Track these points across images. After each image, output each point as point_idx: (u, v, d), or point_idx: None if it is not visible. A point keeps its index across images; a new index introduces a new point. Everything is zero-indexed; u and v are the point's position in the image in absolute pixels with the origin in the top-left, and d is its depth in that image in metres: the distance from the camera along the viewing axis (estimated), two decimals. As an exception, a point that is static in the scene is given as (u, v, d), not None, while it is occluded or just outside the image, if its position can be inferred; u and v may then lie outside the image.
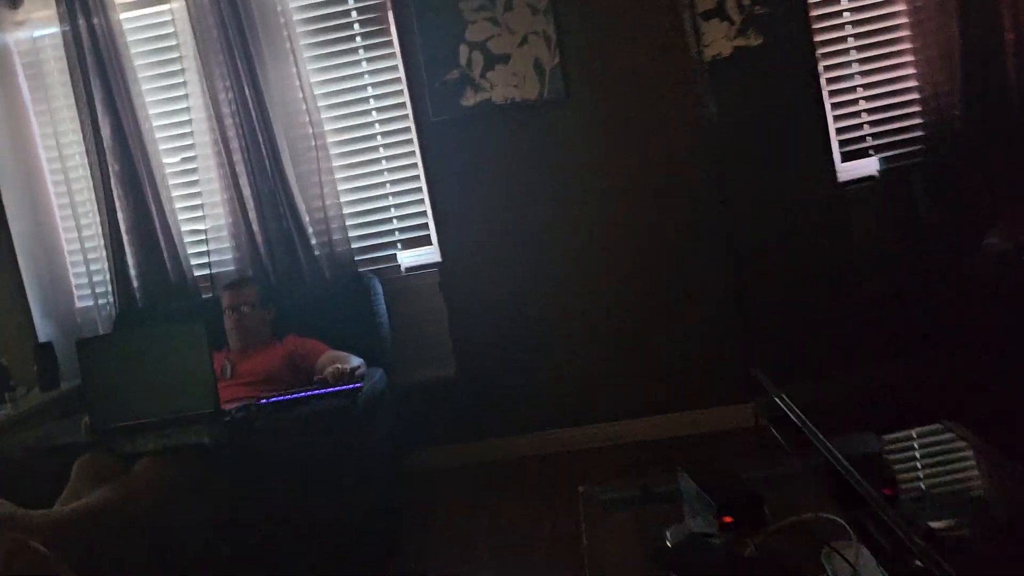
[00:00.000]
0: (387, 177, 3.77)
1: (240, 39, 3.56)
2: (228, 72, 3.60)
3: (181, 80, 3.72)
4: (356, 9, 3.68)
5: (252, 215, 3.69)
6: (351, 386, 2.73)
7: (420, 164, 3.72)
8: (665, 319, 3.71)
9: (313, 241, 3.71)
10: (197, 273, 3.81)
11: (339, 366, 2.87)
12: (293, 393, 2.74)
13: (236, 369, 3.28)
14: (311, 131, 3.64)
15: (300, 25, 3.67)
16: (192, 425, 2.56)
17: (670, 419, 3.74)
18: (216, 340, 3.42)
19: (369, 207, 3.79)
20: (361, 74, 3.71)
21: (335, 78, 3.72)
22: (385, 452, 3.21)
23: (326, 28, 3.69)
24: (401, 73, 3.68)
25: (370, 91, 3.72)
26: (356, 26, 3.69)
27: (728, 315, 3.70)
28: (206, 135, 3.69)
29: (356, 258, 3.75)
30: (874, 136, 3.53)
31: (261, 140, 3.63)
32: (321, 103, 3.70)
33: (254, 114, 3.61)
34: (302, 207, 3.68)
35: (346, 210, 3.76)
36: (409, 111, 3.69)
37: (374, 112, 3.73)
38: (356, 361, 3.12)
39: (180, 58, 3.68)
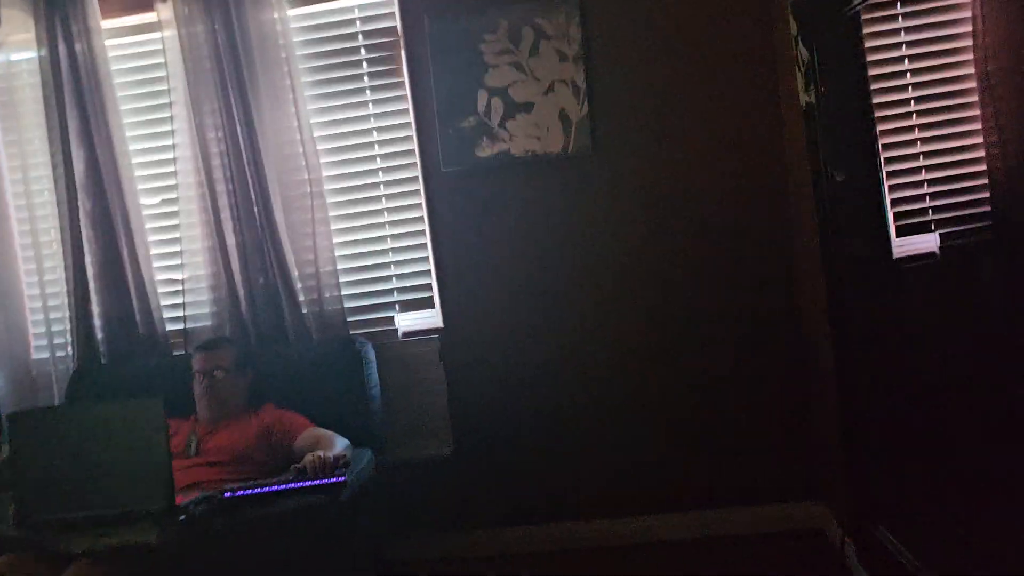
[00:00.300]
0: (388, 231, 3.39)
1: (235, 73, 3.21)
2: (219, 108, 3.24)
3: (167, 115, 3.36)
4: (365, 47, 3.34)
5: (235, 265, 3.30)
6: (333, 480, 2.31)
7: (426, 218, 3.35)
8: (702, 399, 3.30)
9: (301, 297, 3.31)
10: (170, 328, 3.40)
11: (320, 454, 2.45)
12: (264, 485, 2.31)
13: (202, 445, 2.85)
14: (307, 176, 3.28)
15: (302, 61, 3.33)
16: (139, 522, 2.12)
17: (713, 515, 3.31)
18: (184, 406, 3.00)
19: (366, 263, 3.41)
20: (367, 116, 3.35)
21: (337, 120, 3.36)
22: (368, 548, 2.77)
23: (331, 65, 3.34)
24: (411, 118, 3.32)
25: (375, 136, 3.36)
26: (364, 64, 3.34)
27: (786, 402, 3.29)
28: (190, 175, 3.32)
29: (348, 319, 3.35)
30: (935, 210, 3.16)
31: (251, 183, 3.26)
32: (320, 147, 3.34)
33: (245, 155, 3.24)
34: (291, 259, 3.29)
35: (340, 265, 3.38)
36: (417, 159, 3.33)
37: (378, 159, 3.36)
38: (341, 445, 2.70)
39: (168, 91, 3.32)
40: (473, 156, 3.24)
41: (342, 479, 2.33)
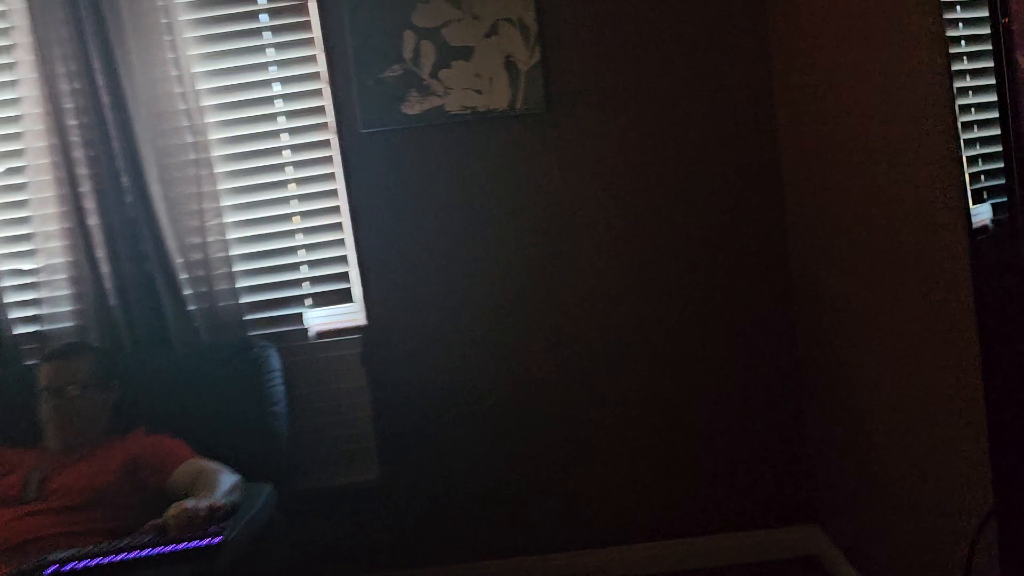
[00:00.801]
0: (295, 208, 2.75)
1: (94, 9, 2.52)
2: (74, 51, 2.55)
3: (6, 61, 2.65)
4: None
5: (100, 252, 2.62)
6: (204, 541, 1.68)
7: (341, 191, 2.71)
8: (680, 408, 2.75)
9: (186, 291, 2.66)
10: (20, 330, 2.71)
11: (189, 504, 1.82)
12: (108, 552, 1.67)
13: (47, 484, 2.18)
14: (190, 140, 2.61)
15: None
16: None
17: (694, 544, 2.77)
18: (28, 434, 2.34)
19: (268, 247, 2.76)
20: (265, 65, 2.70)
21: (228, 69, 2.69)
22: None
23: (219, 1, 2.67)
24: (321, 67, 2.68)
25: (277, 89, 2.70)
26: (261, 0, 2.68)
27: (780, 413, 2.76)
28: (40, 138, 2.61)
29: (246, 317, 2.71)
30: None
31: (116, 148, 2.58)
32: (207, 102, 2.67)
33: (109, 115, 2.56)
34: (172, 243, 2.63)
35: (235, 251, 2.72)
36: (330, 119, 2.69)
37: (281, 118, 2.71)
38: (226, 484, 2.07)
39: (8, 30, 2.61)
40: (399, 113, 2.62)
41: (217, 539, 1.70)
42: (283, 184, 2.73)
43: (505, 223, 2.69)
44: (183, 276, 2.66)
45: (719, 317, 2.71)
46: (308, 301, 2.77)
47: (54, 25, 2.54)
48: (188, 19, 2.65)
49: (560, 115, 2.65)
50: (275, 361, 2.58)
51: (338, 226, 2.74)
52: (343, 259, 2.75)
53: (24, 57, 2.59)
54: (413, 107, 2.62)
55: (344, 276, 2.76)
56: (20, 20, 2.57)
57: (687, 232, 2.69)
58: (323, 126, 2.71)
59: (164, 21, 2.58)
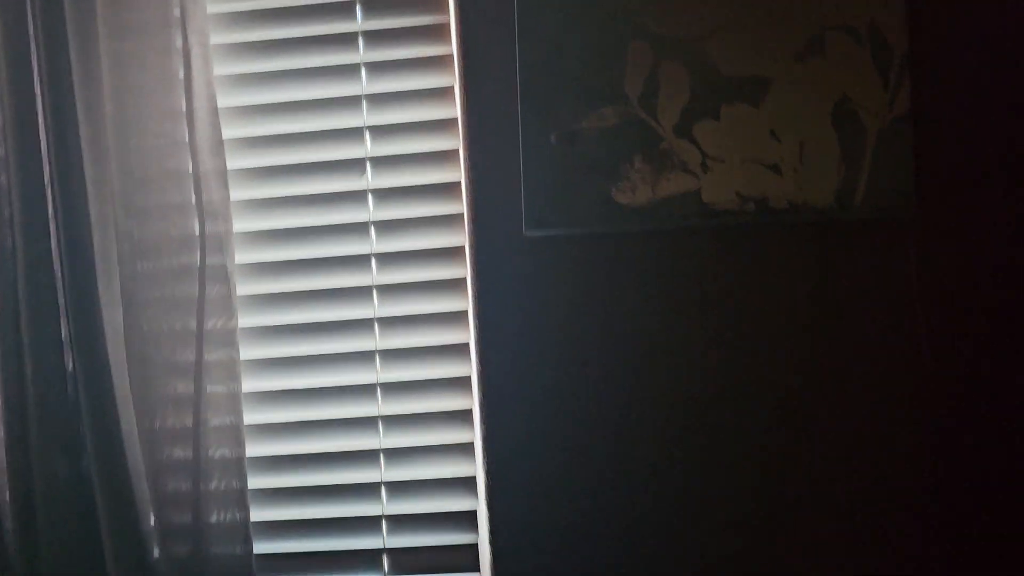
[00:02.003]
0: (379, 371, 1.41)
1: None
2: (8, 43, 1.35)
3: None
4: None
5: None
6: None
7: (473, 348, 1.37)
8: None
9: (149, 521, 1.32)
10: None
11: None
12: None
13: None
14: (195, 231, 1.34)
15: None
16: None
17: None
18: None
19: (316, 445, 1.41)
20: (353, 101, 1.42)
21: (279, 104, 1.43)
22: None
23: None
24: (457, 107, 1.39)
25: (368, 142, 1.42)
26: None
27: None
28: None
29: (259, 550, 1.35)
30: None
31: (54, 217, 1.34)
32: (237, 164, 1.41)
33: (47, 169, 1.33)
34: (131, 427, 1.32)
35: (253, 446, 1.39)
36: (464, 205, 1.38)
37: (370, 200, 1.41)
38: None
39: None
40: (606, 202, 1.29)
41: None
42: (362, 327, 1.41)
43: (795, 400, 1.29)
44: (145, 490, 1.33)
45: None
46: (386, 562, 1.38)
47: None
48: (220, 12, 1.42)
49: (939, 217, 1.28)
50: None
51: (462, 419, 1.39)
52: (466, 487, 1.38)
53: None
54: (636, 191, 1.29)
55: (461, 486, 1.38)
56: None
57: None
58: (450, 221, 1.39)
59: (176, 13, 1.35)
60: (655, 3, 1.28)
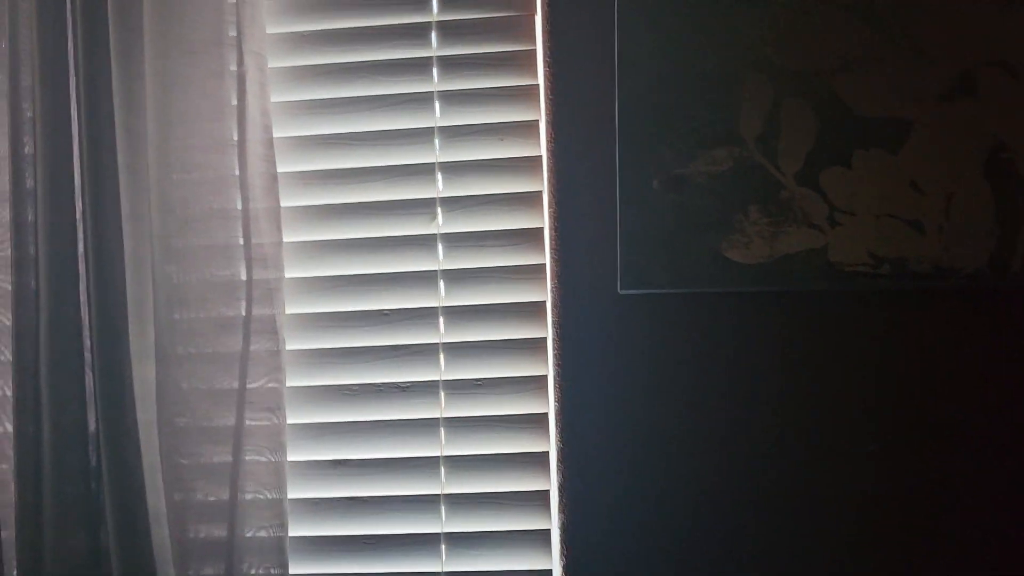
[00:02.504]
0: (444, 443, 1.23)
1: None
2: (44, 61, 1.20)
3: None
4: None
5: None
6: None
7: (553, 419, 1.19)
8: None
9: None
10: None
11: None
12: None
13: None
14: (241, 275, 1.17)
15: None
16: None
17: None
18: None
19: (376, 525, 1.23)
20: (424, 135, 1.26)
21: (346, 135, 1.27)
22: None
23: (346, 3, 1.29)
24: (541, 144, 1.23)
25: (439, 181, 1.25)
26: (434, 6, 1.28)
27: None
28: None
29: None
30: None
31: (82, 293, 1.18)
32: (292, 201, 1.25)
33: (79, 206, 1.18)
34: (160, 503, 1.14)
35: (296, 527, 1.21)
36: (547, 260, 1.21)
37: (439, 246, 1.25)
38: None
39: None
40: (714, 258, 1.12)
41: None
42: (426, 390, 1.23)
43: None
44: (172, 575, 1.15)
45: None
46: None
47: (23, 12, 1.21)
48: (280, 34, 1.28)
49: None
50: None
51: (537, 501, 1.20)
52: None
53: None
54: (751, 247, 1.12)
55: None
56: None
57: None
58: (526, 273, 1.22)
59: (231, 32, 1.20)
60: (777, 31, 1.12)
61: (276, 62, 1.26)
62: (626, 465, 1.17)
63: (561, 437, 1.18)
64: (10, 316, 1.19)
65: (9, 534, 1.20)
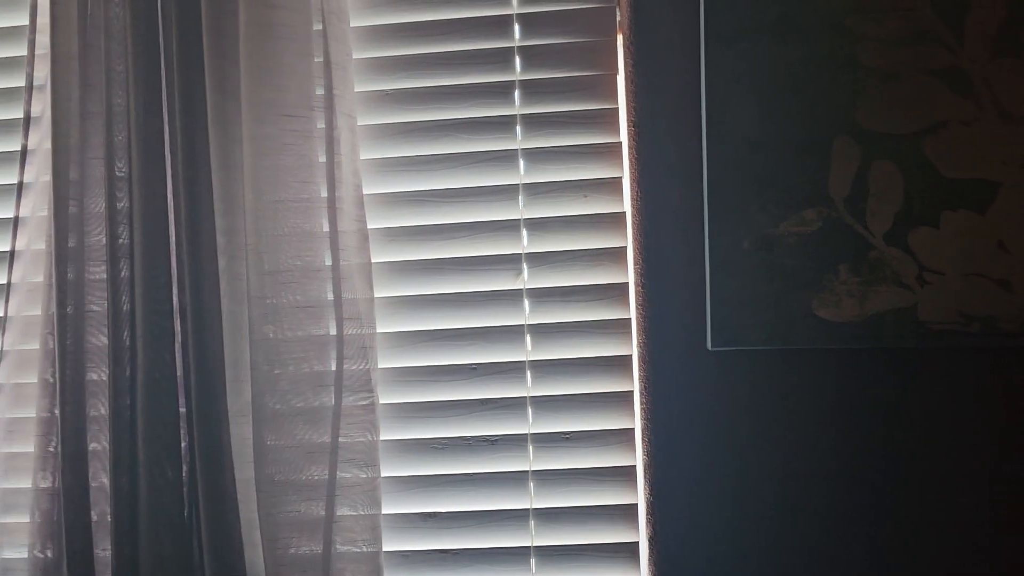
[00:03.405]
0: (532, 495, 1.25)
1: (181, 31, 1.21)
2: (134, 99, 1.22)
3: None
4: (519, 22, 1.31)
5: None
6: None
7: (641, 474, 1.21)
8: None
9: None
10: None
11: None
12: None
13: None
14: (331, 329, 1.20)
15: (367, 38, 1.31)
16: None
17: None
18: None
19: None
20: (509, 191, 1.28)
21: (428, 193, 1.30)
22: None
23: (434, 58, 1.31)
24: (626, 200, 1.25)
25: (524, 238, 1.28)
26: (517, 62, 1.30)
27: None
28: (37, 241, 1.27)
29: None
30: None
31: (180, 305, 1.20)
32: (382, 257, 1.27)
33: (173, 233, 1.20)
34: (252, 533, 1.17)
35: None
36: (633, 314, 1.23)
37: (526, 303, 1.27)
38: None
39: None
40: (806, 315, 1.14)
41: None
42: (510, 443, 1.25)
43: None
44: (271, 631, 1.17)
45: None
46: None
47: (91, 34, 1.23)
48: (368, 91, 1.30)
49: None
50: None
51: (626, 553, 1.22)
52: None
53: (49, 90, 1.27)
54: (842, 305, 1.14)
55: None
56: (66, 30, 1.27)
57: None
58: (616, 328, 1.24)
59: (318, 91, 1.23)
60: (864, 94, 1.14)
61: (363, 120, 1.28)
62: (713, 519, 1.19)
63: (650, 490, 1.20)
64: (107, 371, 1.21)
65: (105, 586, 1.22)
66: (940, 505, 1.15)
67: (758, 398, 1.18)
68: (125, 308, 1.22)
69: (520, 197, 1.27)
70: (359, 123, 1.26)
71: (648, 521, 1.21)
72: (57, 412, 1.22)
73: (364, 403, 1.20)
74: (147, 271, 1.21)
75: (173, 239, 1.22)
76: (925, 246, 1.13)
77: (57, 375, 1.22)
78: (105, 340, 1.22)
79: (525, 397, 1.25)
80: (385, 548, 1.23)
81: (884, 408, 1.16)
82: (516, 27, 1.27)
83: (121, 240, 1.23)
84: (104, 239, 1.23)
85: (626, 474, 1.22)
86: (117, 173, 1.23)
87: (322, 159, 1.22)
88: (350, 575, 1.19)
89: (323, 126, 1.22)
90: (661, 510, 1.20)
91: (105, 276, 1.22)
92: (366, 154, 1.28)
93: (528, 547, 1.23)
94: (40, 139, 1.28)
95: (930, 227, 1.13)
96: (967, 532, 1.15)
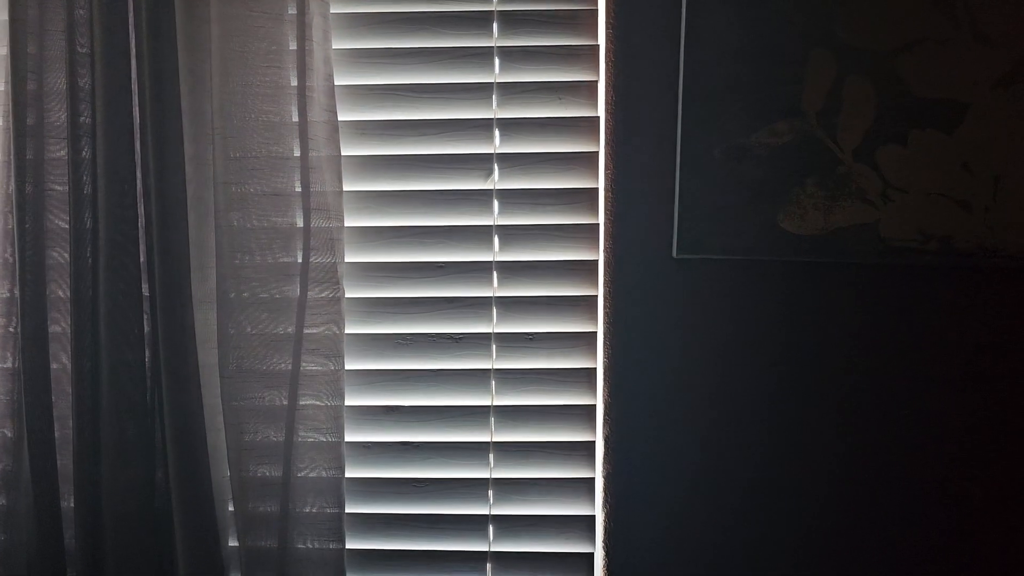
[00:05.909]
0: (493, 393, 1.28)
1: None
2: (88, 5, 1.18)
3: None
4: None
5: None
6: None
7: (601, 375, 1.24)
8: None
9: (233, 533, 1.19)
10: None
11: None
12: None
13: None
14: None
15: None
16: None
17: None
18: None
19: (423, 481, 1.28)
20: (480, 90, 1.27)
21: (402, 87, 1.28)
22: None
23: None
24: (599, 103, 1.24)
25: (497, 138, 1.27)
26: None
27: None
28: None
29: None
30: None
31: (146, 211, 1.18)
32: (352, 149, 1.25)
33: (143, 143, 1.17)
34: (223, 472, 1.18)
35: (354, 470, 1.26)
36: (601, 220, 1.24)
37: (494, 204, 1.27)
38: None
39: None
40: (770, 228, 1.16)
41: None
42: (475, 343, 1.27)
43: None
44: (228, 510, 1.20)
45: None
46: (492, 533, 1.27)
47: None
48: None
49: None
50: None
51: (582, 451, 1.26)
52: (582, 526, 1.26)
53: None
54: (806, 219, 1.16)
55: (578, 531, 1.26)
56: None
57: None
58: (581, 233, 1.25)
59: (291, 12, 1.18)
60: (844, 5, 1.14)
61: (336, 8, 1.24)
62: (669, 420, 1.23)
63: (609, 391, 1.23)
64: (68, 254, 1.20)
65: (66, 464, 1.23)
66: (903, 411, 1.20)
67: (720, 307, 1.20)
68: (87, 191, 1.20)
69: (494, 96, 1.25)
70: (332, 10, 1.22)
71: (605, 421, 1.24)
72: (17, 292, 1.21)
73: (330, 295, 1.20)
74: (109, 152, 1.18)
75: (137, 120, 1.19)
76: (892, 164, 1.15)
77: (16, 255, 1.20)
78: (66, 222, 1.20)
79: (491, 297, 1.26)
80: (347, 439, 1.25)
81: (844, 322, 1.19)
82: (498, -82, 1.23)
83: (83, 119, 1.19)
84: (65, 117, 1.19)
85: (586, 376, 1.25)
86: (79, 49, 1.18)
87: (293, 46, 1.19)
88: (311, 462, 1.22)
89: (294, 12, 1.18)
90: (618, 410, 1.23)
91: (66, 156, 1.19)
92: (339, 43, 1.24)
93: (487, 442, 1.27)
94: (-4, 10, 1.23)
95: (898, 145, 1.15)
96: (930, 436, 1.20)
